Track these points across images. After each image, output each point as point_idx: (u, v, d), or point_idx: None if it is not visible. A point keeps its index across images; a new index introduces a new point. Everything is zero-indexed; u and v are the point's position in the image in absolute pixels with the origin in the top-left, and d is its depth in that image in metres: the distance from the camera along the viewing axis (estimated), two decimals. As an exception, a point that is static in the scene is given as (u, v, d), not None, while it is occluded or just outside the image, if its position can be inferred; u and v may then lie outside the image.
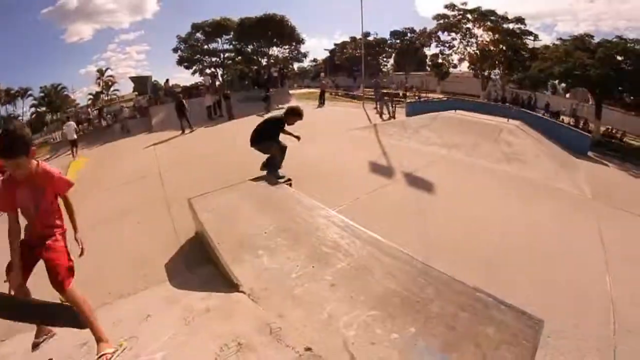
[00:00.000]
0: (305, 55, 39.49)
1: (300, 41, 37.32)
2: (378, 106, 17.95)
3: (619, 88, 23.31)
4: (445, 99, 23.41)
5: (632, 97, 23.34)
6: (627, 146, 22.43)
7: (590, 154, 14.67)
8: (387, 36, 42.64)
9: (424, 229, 5.56)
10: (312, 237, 3.57)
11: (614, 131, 24.77)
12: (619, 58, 23.40)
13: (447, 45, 35.51)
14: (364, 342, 2.36)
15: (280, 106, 19.72)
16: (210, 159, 9.85)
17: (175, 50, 36.16)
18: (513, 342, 2.46)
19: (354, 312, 2.58)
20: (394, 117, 16.83)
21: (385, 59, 44.30)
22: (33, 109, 39.67)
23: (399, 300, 2.70)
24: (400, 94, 27.76)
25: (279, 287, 2.92)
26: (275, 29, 34.99)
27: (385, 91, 20.89)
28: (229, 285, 3.11)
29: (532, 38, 31.34)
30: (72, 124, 14.53)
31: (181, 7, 55.87)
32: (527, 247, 5.53)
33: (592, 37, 26.31)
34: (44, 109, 38.81)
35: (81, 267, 4.63)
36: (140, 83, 30.89)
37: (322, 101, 22.05)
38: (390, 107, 17.25)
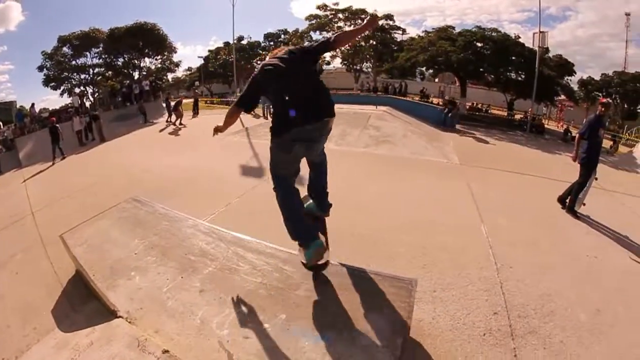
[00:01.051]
0: (178, 64, 38.71)
1: (172, 50, 36.54)
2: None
3: (481, 69, 27.07)
4: None
5: (492, 76, 27.35)
6: (492, 116, 27.54)
7: (458, 127, 16.61)
8: (262, 39, 43.14)
9: None
10: (179, 249, 3.77)
11: (479, 105, 28.99)
12: (478, 44, 27.35)
13: (318, 44, 37.18)
14: (238, 337, 2.62)
15: (154, 121, 19.35)
16: (84, 189, 9.46)
17: (40, 68, 32.61)
18: (387, 306, 2.80)
19: (225, 311, 2.85)
20: (267, 118, 17.55)
21: (259, 62, 44.47)
22: None
23: (266, 292, 3.00)
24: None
25: (152, 304, 3.10)
26: (147, 39, 33.84)
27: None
28: (109, 313, 3.20)
29: (400, 32, 34.57)
30: None
31: (49, 18, 47.16)
32: (403, 218, 6.43)
33: (453, 28, 30.53)
34: None
35: None
36: (4, 110, 27.67)
37: (196, 111, 21.93)
38: (268, 108, 17.97)
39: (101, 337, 2.96)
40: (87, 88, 34.74)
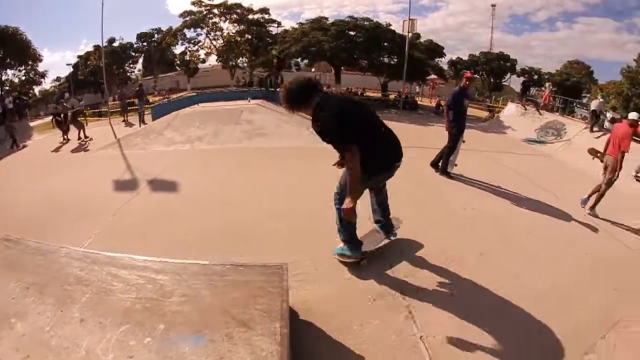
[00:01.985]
0: (44, 75, 35.68)
1: (37, 58, 33.29)
2: (126, 117, 17.71)
3: (354, 56, 28.84)
4: (193, 94, 24.09)
5: (365, 62, 29.37)
6: (367, 98, 30.20)
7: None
8: (134, 39, 41.17)
9: (171, 226, 6.14)
10: (55, 282, 3.62)
11: (353, 90, 31.02)
12: (351, 33, 29.08)
13: (193, 42, 36.20)
14: (123, 359, 2.64)
15: (23, 144, 17.56)
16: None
17: None
18: (260, 294, 2.93)
19: (107, 336, 2.83)
20: (144, 123, 16.88)
21: (132, 65, 42.64)
22: None
23: (141, 306, 3.03)
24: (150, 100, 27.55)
25: (38, 348, 2.95)
26: (8, 47, 30.80)
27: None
28: None
29: (275, 25, 34.98)
30: None
31: None
32: (276, 206, 6.78)
33: (326, 19, 31.98)
34: None
35: None
36: None
37: (66, 128, 19.78)
38: (142, 115, 17.31)
39: None
40: None
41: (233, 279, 3.17)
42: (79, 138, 16.56)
